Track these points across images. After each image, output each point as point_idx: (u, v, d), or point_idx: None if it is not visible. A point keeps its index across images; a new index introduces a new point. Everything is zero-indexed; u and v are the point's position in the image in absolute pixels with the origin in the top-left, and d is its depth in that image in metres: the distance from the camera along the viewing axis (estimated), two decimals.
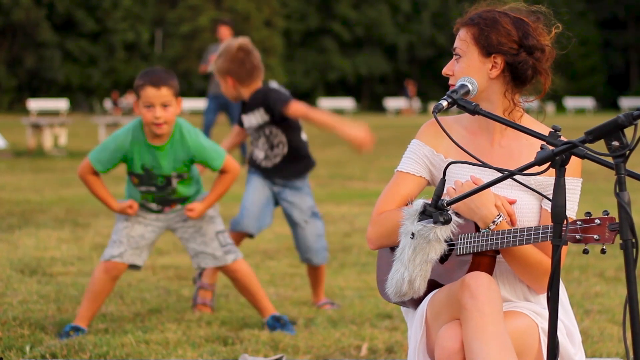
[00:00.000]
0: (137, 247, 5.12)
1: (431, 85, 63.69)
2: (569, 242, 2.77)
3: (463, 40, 3.18)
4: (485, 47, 3.14)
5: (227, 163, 5.11)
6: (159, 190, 5.08)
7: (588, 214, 2.76)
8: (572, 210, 3.11)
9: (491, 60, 3.14)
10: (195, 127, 5.12)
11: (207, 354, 4.66)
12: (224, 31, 15.25)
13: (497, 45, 3.13)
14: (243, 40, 5.69)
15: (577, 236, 2.75)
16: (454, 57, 3.20)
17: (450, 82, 3.19)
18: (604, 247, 2.73)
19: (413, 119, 43.32)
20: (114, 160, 5.01)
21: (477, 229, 3.05)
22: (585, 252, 2.73)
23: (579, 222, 2.76)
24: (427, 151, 3.29)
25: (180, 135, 5.01)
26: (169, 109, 4.92)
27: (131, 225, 5.12)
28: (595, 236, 2.72)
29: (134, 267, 5.18)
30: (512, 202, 3.11)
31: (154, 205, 5.13)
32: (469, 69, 3.14)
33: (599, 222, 2.73)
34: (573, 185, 3.13)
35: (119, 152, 5.00)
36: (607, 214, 2.72)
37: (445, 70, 3.22)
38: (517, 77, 3.16)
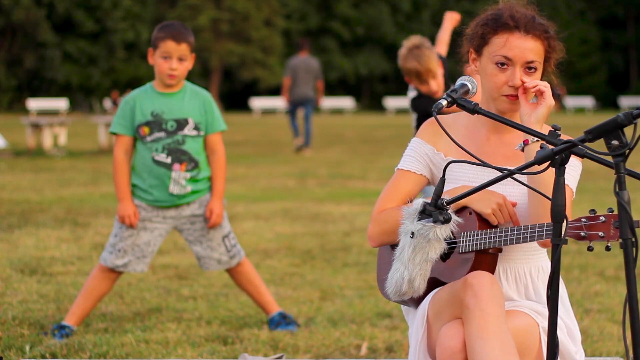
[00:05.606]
0: (143, 255, 5.07)
1: None
2: (574, 240, 2.77)
3: (537, 54, 3.14)
4: (546, 67, 3.19)
5: (221, 139, 5.18)
6: (168, 135, 5.05)
7: (592, 211, 2.76)
8: (572, 184, 3.11)
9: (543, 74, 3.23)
10: None
11: (207, 354, 4.66)
12: None
13: (551, 68, 3.21)
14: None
15: (582, 233, 2.75)
16: (527, 69, 3.13)
17: (516, 93, 3.11)
18: (609, 244, 2.73)
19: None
20: (130, 115, 5.05)
21: (480, 226, 3.05)
22: (590, 249, 2.73)
23: (583, 220, 2.76)
24: (427, 149, 3.29)
25: (192, 88, 5.16)
26: (184, 63, 5.07)
27: (136, 232, 5.05)
28: (600, 233, 2.72)
29: None
30: (513, 205, 3.11)
31: (163, 157, 5.03)
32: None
33: (603, 219, 2.73)
34: (574, 163, 3.12)
35: (129, 105, 5.06)
36: (612, 211, 2.72)
37: (517, 82, 3.10)
38: None
